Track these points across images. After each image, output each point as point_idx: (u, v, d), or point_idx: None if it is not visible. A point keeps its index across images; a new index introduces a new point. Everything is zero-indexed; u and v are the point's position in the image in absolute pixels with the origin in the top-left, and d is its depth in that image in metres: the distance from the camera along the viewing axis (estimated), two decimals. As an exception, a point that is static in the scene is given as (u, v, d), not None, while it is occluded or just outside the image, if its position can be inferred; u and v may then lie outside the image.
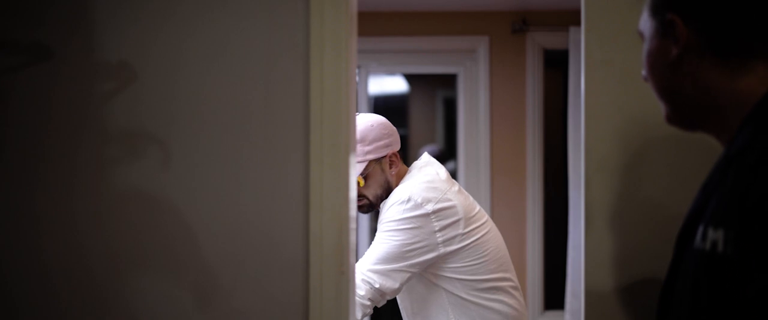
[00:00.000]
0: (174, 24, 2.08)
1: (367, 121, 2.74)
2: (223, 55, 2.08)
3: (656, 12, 1.32)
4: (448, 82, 6.12)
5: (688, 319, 1.22)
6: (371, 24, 5.11)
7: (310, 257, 2.05)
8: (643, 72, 1.37)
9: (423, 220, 2.55)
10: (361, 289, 2.55)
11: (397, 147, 2.73)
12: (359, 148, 2.67)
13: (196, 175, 2.08)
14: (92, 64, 2.08)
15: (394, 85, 7.83)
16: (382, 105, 7.66)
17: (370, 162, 2.68)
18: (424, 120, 7.75)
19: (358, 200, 2.68)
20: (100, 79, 2.09)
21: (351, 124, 2.10)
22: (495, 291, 2.64)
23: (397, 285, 2.55)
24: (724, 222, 1.15)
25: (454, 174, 5.47)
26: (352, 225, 2.15)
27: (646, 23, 1.35)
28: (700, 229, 1.21)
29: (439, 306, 2.64)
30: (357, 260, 2.42)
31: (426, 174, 2.69)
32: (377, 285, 2.54)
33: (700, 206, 1.27)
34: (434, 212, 2.56)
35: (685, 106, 1.32)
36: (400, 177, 2.73)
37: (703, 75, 1.26)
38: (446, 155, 6.66)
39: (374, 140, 2.69)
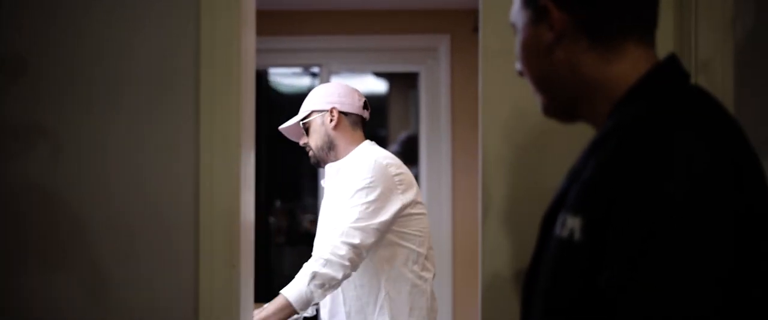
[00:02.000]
0: (65, 15, 2.07)
1: (329, 82, 3.08)
2: (114, 48, 2.07)
3: (529, 1, 1.31)
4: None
5: (544, 307, 1.22)
6: (331, 22, 5.10)
7: (200, 251, 2.04)
8: (517, 65, 1.35)
9: (388, 180, 2.72)
10: (340, 250, 2.63)
11: (346, 109, 2.87)
12: (307, 101, 2.91)
13: (87, 170, 2.07)
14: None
15: (375, 85, 7.81)
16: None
17: (312, 112, 2.87)
18: (403, 120, 7.71)
19: (308, 150, 2.90)
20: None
21: (243, 119, 2.08)
22: (425, 270, 2.79)
23: (372, 241, 2.66)
24: (582, 210, 1.14)
25: (417, 176, 5.44)
26: (246, 219, 2.13)
27: (518, 14, 1.33)
28: (561, 217, 1.20)
29: (377, 279, 2.75)
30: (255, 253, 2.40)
31: (379, 150, 2.88)
32: (357, 241, 2.63)
33: (563, 193, 1.27)
34: (396, 175, 2.74)
35: (561, 94, 1.30)
36: (346, 142, 2.87)
37: (577, 60, 1.25)
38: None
39: (321, 95, 2.90)
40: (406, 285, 2.72)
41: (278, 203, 6.18)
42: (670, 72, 1.26)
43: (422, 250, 2.77)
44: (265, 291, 2.87)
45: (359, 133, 2.89)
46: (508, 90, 2.09)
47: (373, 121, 3.07)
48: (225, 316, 2.04)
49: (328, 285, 2.62)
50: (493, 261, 2.08)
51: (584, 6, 1.25)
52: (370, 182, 2.69)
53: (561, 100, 1.31)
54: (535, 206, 2.07)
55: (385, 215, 2.67)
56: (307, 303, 2.62)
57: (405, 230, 2.74)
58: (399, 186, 2.72)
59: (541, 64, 1.29)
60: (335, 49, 5.17)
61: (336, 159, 2.86)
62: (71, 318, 2.06)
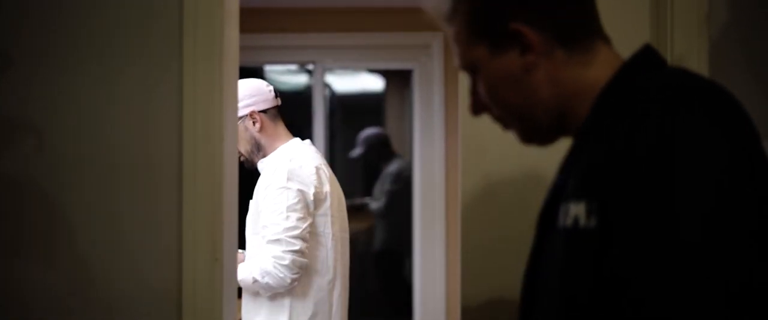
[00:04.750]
0: (47, 11, 2.10)
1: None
2: (94, 44, 2.10)
3: (485, 33, 1.23)
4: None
5: (560, 301, 1.18)
6: (326, 19, 5.12)
7: (183, 244, 2.06)
8: (471, 108, 1.28)
9: (296, 183, 2.75)
10: (284, 260, 2.67)
11: (262, 107, 2.92)
12: None
13: (69, 166, 2.09)
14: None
15: (371, 83, 7.83)
16: (357, 103, 7.66)
17: None
18: (399, 117, 7.73)
19: (240, 156, 2.91)
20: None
21: (225, 112, 2.11)
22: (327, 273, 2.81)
23: (306, 243, 2.72)
24: (585, 195, 1.12)
25: (409, 176, 5.46)
26: (230, 212, 2.16)
27: (473, 52, 1.24)
28: (562, 208, 1.18)
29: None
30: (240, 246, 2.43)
31: (299, 150, 2.89)
32: (297, 246, 2.68)
33: (559, 188, 1.26)
34: (308, 176, 2.79)
35: (544, 115, 1.25)
36: (271, 139, 2.92)
37: (557, 75, 1.22)
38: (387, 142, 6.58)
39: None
40: (311, 289, 2.75)
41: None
42: (651, 57, 1.25)
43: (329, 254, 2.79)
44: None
45: (280, 125, 2.95)
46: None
47: (370, 119, 3.11)
48: (208, 309, 2.06)
49: (275, 291, 2.72)
50: (475, 255, 2.11)
51: (552, 18, 1.22)
52: (288, 186, 2.72)
53: (545, 122, 1.26)
54: (514, 200, 2.10)
55: (308, 219, 2.72)
56: (248, 289, 2.76)
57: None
58: (310, 190, 2.74)
59: (520, 92, 1.23)
60: (329, 47, 5.20)
61: (264, 156, 2.92)
62: (54, 310, 2.09)
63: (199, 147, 2.06)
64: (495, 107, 1.26)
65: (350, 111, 7.33)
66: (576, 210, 1.13)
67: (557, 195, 1.25)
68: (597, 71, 1.22)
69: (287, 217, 2.68)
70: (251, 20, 4.85)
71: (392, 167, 6.25)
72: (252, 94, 2.91)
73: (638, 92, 1.15)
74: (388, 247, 6.18)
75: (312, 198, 2.74)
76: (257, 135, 2.90)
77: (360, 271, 6.89)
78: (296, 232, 2.68)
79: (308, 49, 5.23)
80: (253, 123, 2.89)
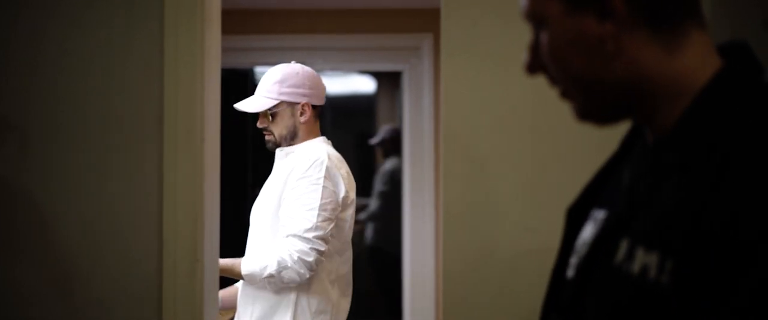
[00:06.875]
0: (30, 14, 2.09)
1: (295, 67, 2.91)
2: (77, 46, 2.09)
3: None
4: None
5: None
6: (315, 21, 5.11)
7: (164, 246, 2.06)
8: (528, 66, 1.12)
9: (332, 183, 2.69)
10: (309, 256, 2.56)
11: (316, 101, 2.86)
12: (276, 87, 2.83)
13: (53, 165, 2.09)
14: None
15: (362, 84, 7.84)
16: (347, 104, 7.66)
17: (282, 102, 2.82)
18: (390, 118, 7.74)
19: (267, 134, 2.86)
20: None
21: (207, 115, 2.10)
22: (334, 277, 2.74)
23: (329, 245, 2.64)
24: (662, 246, 0.96)
25: (397, 173, 5.46)
26: (211, 213, 2.15)
27: (545, 5, 1.09)
28: (626, 244, 1.03)
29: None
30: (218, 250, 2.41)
31: (330, 149, 2.88)
32: (323, 248, 2.59)
33: (592, 188, 1.16)
34: (343, 177, 2.74)
35: (611, 95, 1.08)
36: (307, 132, 2.87)
37: (636, 56, 1.05)
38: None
39: (293, 85, 2.84)
40: (319, 290, 2.66)
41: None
42: (749, 67, 1.06)
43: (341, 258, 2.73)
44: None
45: (318, 123, 2.90)
46: (471, 85, 2.11)
47: (361, 120, 3.07)
48: (188, 310, 2.06)
49: (285, 286, 2.59)
50: (454, 249, 2.11)
51: None
52: (325, 184, 2.63)
53: (610, 100, 1.09)
54: (495, 203, 2.10)
55: (333, 222, 2.64)
56: (254, 284, 2.61)
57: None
58: (343, 184, 2.69)
59: (589, 60, 1.07)
60: (319, 48, 5.19)
61: (290, 144, 2.83)
62: (35, 308, 2.08)
63: (180, 148, 2.06)
64: (557, 71, 1.11)
65: (341, 112, 7.33)
66: (647, 260, 0.97)
67: (590, 197, 1.16)
68: (686, 62, 1.04)
69: (318, 215, 2.57)
70: (241, 22, 4.85)
71: (387, 165, 6.26)
72: (313, 86, 2.84)
73: (752, 137, 0.97)
74: (380, 246, 6.20)
75: (340, 202, 2.66)
76: (299, 125, 2.82)
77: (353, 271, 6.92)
78: (322, 233, 2.58)
79: (298, 50, 5.22)
80: (301, 113, 2.81)
